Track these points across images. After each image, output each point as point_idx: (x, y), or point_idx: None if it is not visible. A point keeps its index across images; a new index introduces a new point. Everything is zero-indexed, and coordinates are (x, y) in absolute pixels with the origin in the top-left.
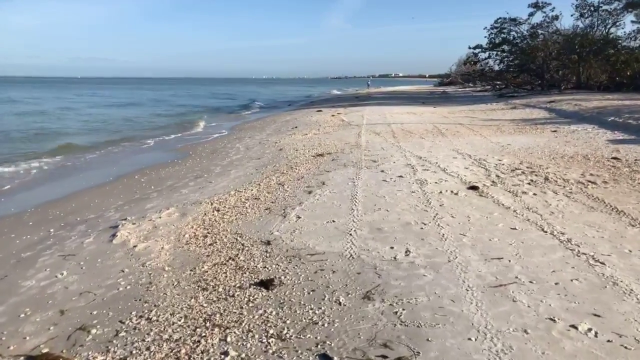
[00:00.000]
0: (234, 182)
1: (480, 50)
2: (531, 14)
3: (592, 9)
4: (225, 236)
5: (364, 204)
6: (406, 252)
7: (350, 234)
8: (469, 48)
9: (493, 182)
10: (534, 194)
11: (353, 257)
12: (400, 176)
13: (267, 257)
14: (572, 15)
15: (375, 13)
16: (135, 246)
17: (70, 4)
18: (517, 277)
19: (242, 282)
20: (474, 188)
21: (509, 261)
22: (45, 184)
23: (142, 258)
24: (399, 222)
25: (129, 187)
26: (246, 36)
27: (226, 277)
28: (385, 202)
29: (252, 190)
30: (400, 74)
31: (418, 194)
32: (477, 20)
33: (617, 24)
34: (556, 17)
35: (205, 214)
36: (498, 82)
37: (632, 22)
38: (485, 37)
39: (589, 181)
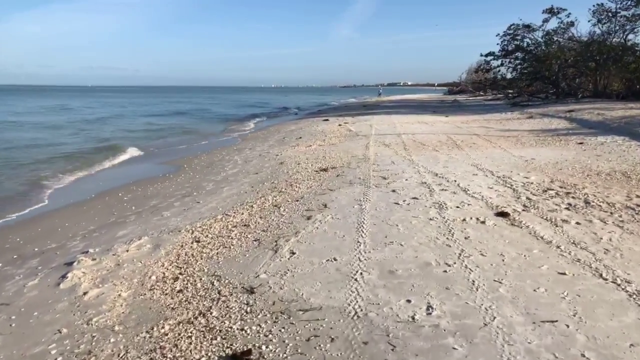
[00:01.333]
0: (224, 203)
1: (492, 57)
2: (545, 20)
3: (609, 14)
4: (200, 279)
5: (372, 235)
6: (428, 308)
7: (356, 279)
8: (481, 55)
9: (525, 206)
10: (577, 223)
11: (358, 316)
12: (415, 198)
13: (247, 312)
14: (589, 21)
15: (384, 22)
16: (85, 293)
17: (80, 13)
18: (584, 356)
19: (210, 354)
20: (503, 214)
21: (567, 326)
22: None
23: (89, 311)
24: (416, 261)
25: (108, 207)
26: (256, 45)
27: (190, 344)
28: (399, 232)
29: (242, 214)
30: (409, 83)
31: (437, 221)
32: (487, 28)
33: (636, 30)
34: (572, 24)
35: (182, 246)
36: (510, 91)
37: None
38: (497, 44)
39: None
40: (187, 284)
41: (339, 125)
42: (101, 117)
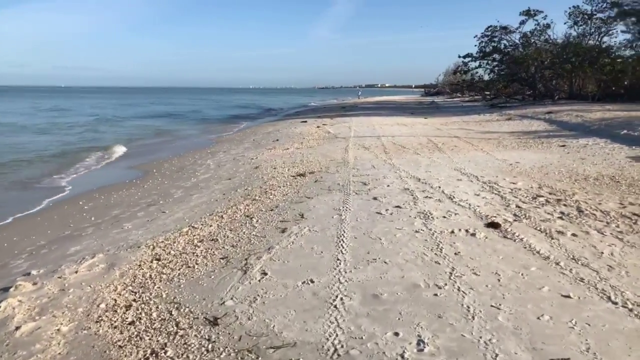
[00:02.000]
0: (192, 213)
1: (470, 59)
2: (522, 22)
3: (585, 17)
4: (157, 307)
5: (353, 251)
6: (419, 343)
7: (335, 306)
8: (459, 57)
9: (516, 215)
10: (574, 235)
11: (339, 354)
12: (398, 207)
13: (208, 351)
14: (565, 23)
15: (363, 24)
16: (18, 328)
17: (54, 13)
18: None
19: None
20: (493, 225)
21: None
22: None
23: (19, 352)
24: (402, 282)
25: (65, 217)
26: (234, 46)
27: None
28: (382, 247)
29: (211, 226)
30: (387, 84)
31: (424, 234)
32: (465, 30)
33: (610, 32)
34: (548, 26)
35: (140, 265)
36: (487, 92)
37: (622, 31)
38: (475, 45)
39: (635, 214)
40: (141, 313)
41: (318, 127)
42: (72, 119)
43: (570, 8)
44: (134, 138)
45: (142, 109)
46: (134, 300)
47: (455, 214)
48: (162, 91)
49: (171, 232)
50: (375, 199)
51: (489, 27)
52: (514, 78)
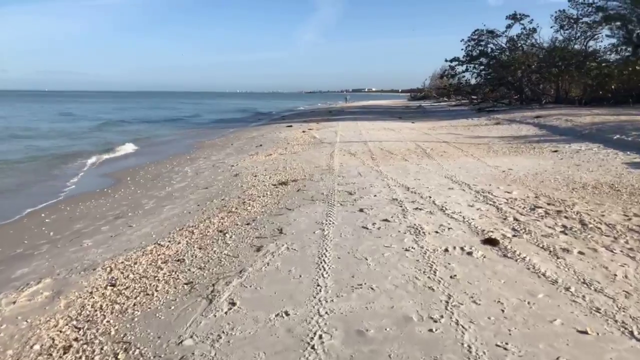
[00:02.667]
0: (160, 227)
1: (457, 63)
2: (509, 26)
3: (572, 21)
4: (102, 348)
5: (336, 275)
6: None
7: (313, 347)
8: (446, 61)
9: (515, 230)
10: (581, 253)
11: None
12: (386, 220)
13: None
14: (551, 27)
15: (349, 28)
16: None
17: (37, 16)
18: None
19: None
20: (491, 242)
21: None
22: None
23: None
24: (392, 314)
25: (22, 232)
26: (221, 51)
27: None
28: (369, 270)
29: (179, 243)
30: (374, 89)
31: (415, 253)
32: (451, 35)
33: (596, 37)
34: (534, 30)
35: (91, 293)
36: (474, 97)
37: (607, 36)
38: (462, 49)
39: None
40: (80, 357)
41: (303, 132)
42: (50, 125)
43: (556, 12)
44: (111, 144)
45: (125, 113)
46: (76, 339)
47: (449, 228)
48: (148, 95)
49: (134, 250)
50: (361, 210)
51: (475, 30)
52: (501, 82)
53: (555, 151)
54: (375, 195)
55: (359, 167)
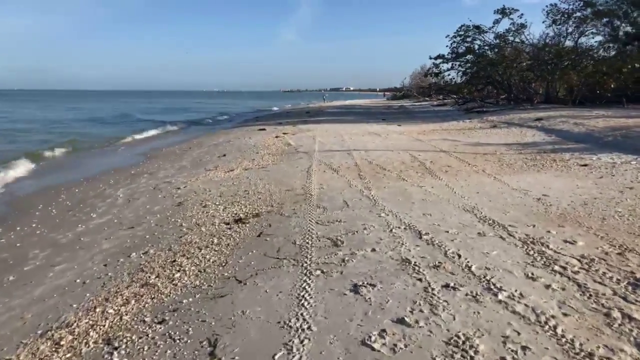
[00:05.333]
0: (17, 324)
1: (442, 60)
2: (497, 21)
3: (564, 16)
4: None
5: None
6: None
7: None
8: (430, 58)
9: (625, 340)
10: None
11: None
12: (402, 320)
13: None
14: (543, 22)
15: (327, 28)
16: None
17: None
18: None
19: None
20: None
21: None
22: None
23: None
24: None
25: None
26: (198, 48)
27: None
28: None
29: None
30: (352, 88)
31: None
32: (432, 33)
33: (586, 33)
34: (523, 25)
35: None
36: (455, 96)
37: (592, 33)
38: (447, 46)
39: None
40: None
41: (276, 136)
42: None
43: (547, 6)
44: (42, 153)
45: (81, 113)
46: None
47: (523, 347)
48: (119, 94)
49: None
50: (354, 288)
51: (461, 26)
52: (488, 81)
53: (585, 165)
54: (373, 250)
55: (345, 191)
